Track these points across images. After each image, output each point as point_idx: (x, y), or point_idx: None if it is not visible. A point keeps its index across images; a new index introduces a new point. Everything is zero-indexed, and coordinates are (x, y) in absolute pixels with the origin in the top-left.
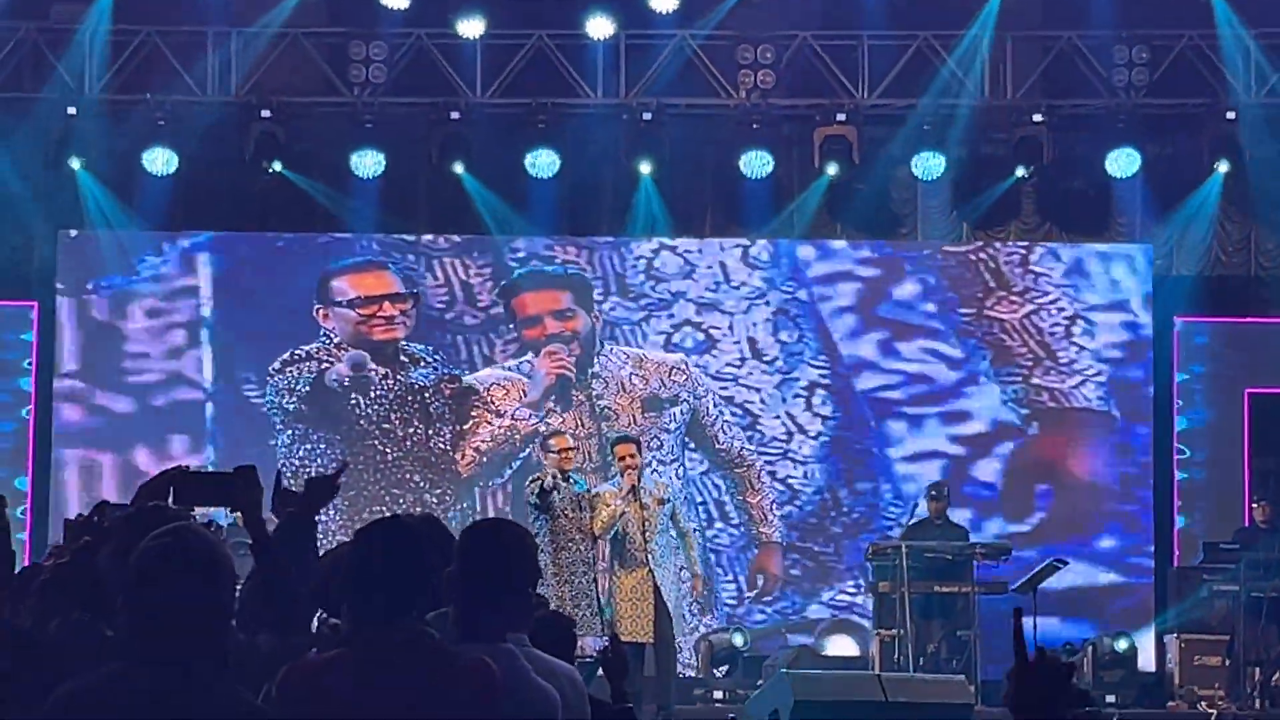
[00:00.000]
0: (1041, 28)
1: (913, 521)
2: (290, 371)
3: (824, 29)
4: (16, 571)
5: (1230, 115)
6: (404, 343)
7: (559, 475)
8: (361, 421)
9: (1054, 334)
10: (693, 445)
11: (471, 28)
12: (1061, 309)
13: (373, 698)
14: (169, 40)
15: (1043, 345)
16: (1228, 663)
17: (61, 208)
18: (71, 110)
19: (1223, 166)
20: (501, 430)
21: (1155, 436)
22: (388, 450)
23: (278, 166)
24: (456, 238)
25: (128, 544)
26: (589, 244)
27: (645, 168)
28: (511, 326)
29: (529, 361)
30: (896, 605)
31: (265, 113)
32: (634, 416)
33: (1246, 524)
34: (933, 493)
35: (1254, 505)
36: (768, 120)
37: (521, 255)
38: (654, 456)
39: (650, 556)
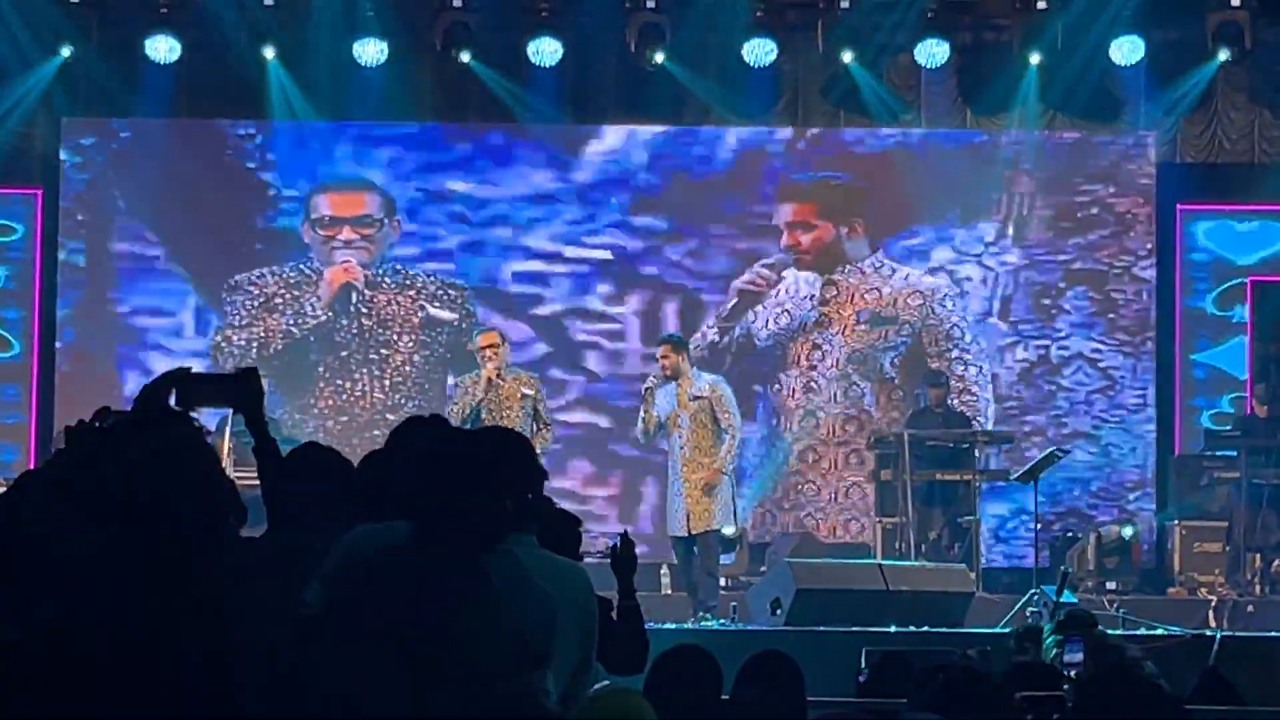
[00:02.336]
0: None
1: (914, 411)
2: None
3: None
4: (18, 476)
5: (1234, 2)
6: (370, 271)
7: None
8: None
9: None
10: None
11: None
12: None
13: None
14: None
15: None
16: (1228, 549)
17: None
18: None
19: (1222, 54)
20: None
21: (1158, 321)
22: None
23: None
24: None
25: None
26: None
27: (659, 57)
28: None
29: None
30: (898, 493)
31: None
32: (845, 327)
33: (1248, 412)
34: (933, 380)
35: (1255, 392)
36: (771, 7)
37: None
38: (855, 371)
39: (684, 454)
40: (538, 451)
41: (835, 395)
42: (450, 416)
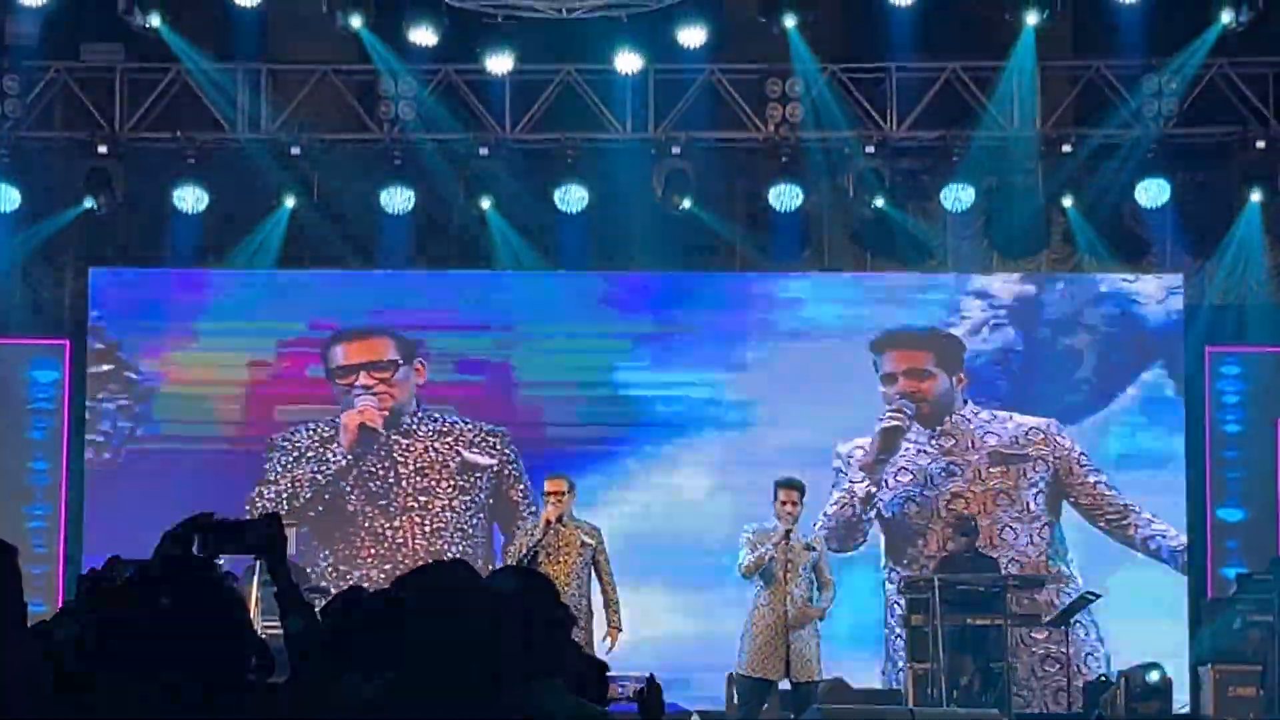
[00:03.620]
0: (1070, 57)
1: (943, 555)
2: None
3: (851, 60)
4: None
5: (1260, 144)
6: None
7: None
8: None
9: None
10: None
11: (500, 64)
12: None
13: None
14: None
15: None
16: (1261, 693)
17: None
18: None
19: (1256, 195)
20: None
21: (1188, 463)
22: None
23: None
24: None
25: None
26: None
27: (686, 203)
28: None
29: None
30: (929, 638)
31: (295, 149)
32: (979, 472)
33: (1279, 554)
34: (961, 527)
35: None
36: (796, 153)
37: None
38: (1006, 513)
39: (788, 599)
40: (614, 624)
41: (992, 538)
42: (507, 557)
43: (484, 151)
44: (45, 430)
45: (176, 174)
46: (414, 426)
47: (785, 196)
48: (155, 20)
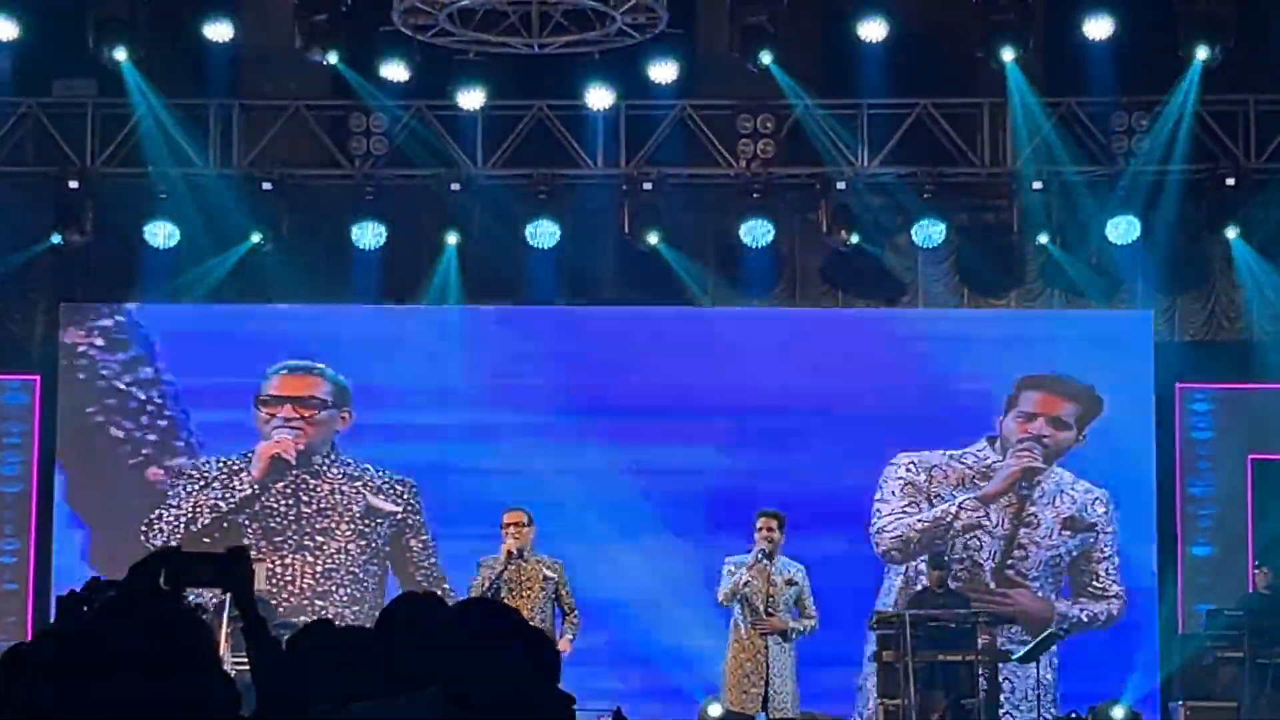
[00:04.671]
0: (1041, 94)
1: (915, 591)
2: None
3: (823, 97)
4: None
5: (1230, 182)
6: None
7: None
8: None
9: None
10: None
11: (472, 99)
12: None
13: None
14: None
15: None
16: None
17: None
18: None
19: (1231, 233)
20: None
21: (1159, 502)
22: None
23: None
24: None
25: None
26: None
27: (653, 238)
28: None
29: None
30: (900, 674)
31: (266, 185)
32: (1052, 531)
33: (1250, 590)
34: (934, 562)
35: (1256, 571)
36: (768, 189)
37: None
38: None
39: (770, 629)
40: (569, 636)
41: None
42: (471, 591)
43: (456, 187)
44: (15, 465)
45: (147, 209)
46: (324, 468)
47: (756, 232)
48: (122, 54)
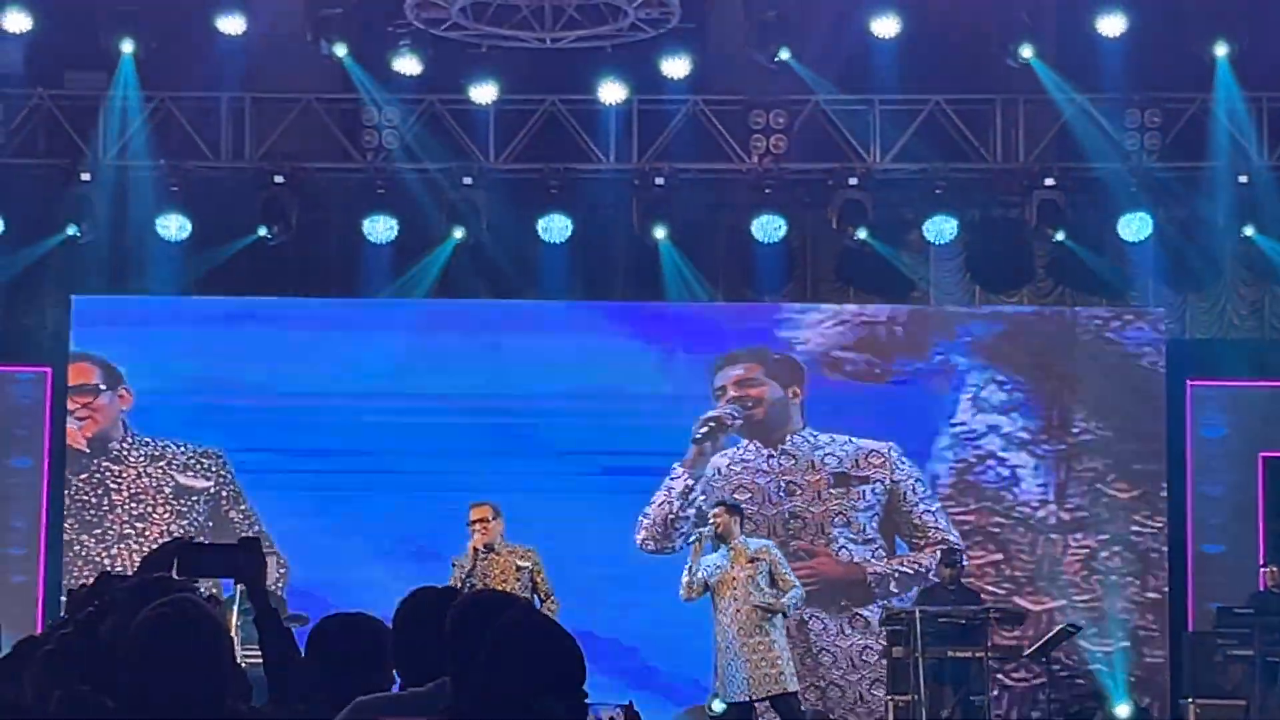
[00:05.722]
0: (1054, 91)
1: (925, 586)
2: None
3: (836, 93)
4: (16, 642)
5: (1242, 179)
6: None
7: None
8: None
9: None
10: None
11: (484, 93)
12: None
13: None
14: (183, 106)
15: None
16: None
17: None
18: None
19: (1248, 230)
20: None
21: (1170, 499)
22: None
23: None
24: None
25: (131, 616)
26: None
27: (660, 233)
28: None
29: None
30: (910, 670)
31: (278, 178)
32: (818, 492)
33: (1261, 588)
34: (945, 559)
35: (1266, 570)
36: (780, 184)
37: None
38: (842, 534)
39: (735, 614)
40: None
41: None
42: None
43: (468, 181)
44: (26, 458)
45: (159, 201)
46: (124, 452)
47: (769, 228)
48: (128, 47)
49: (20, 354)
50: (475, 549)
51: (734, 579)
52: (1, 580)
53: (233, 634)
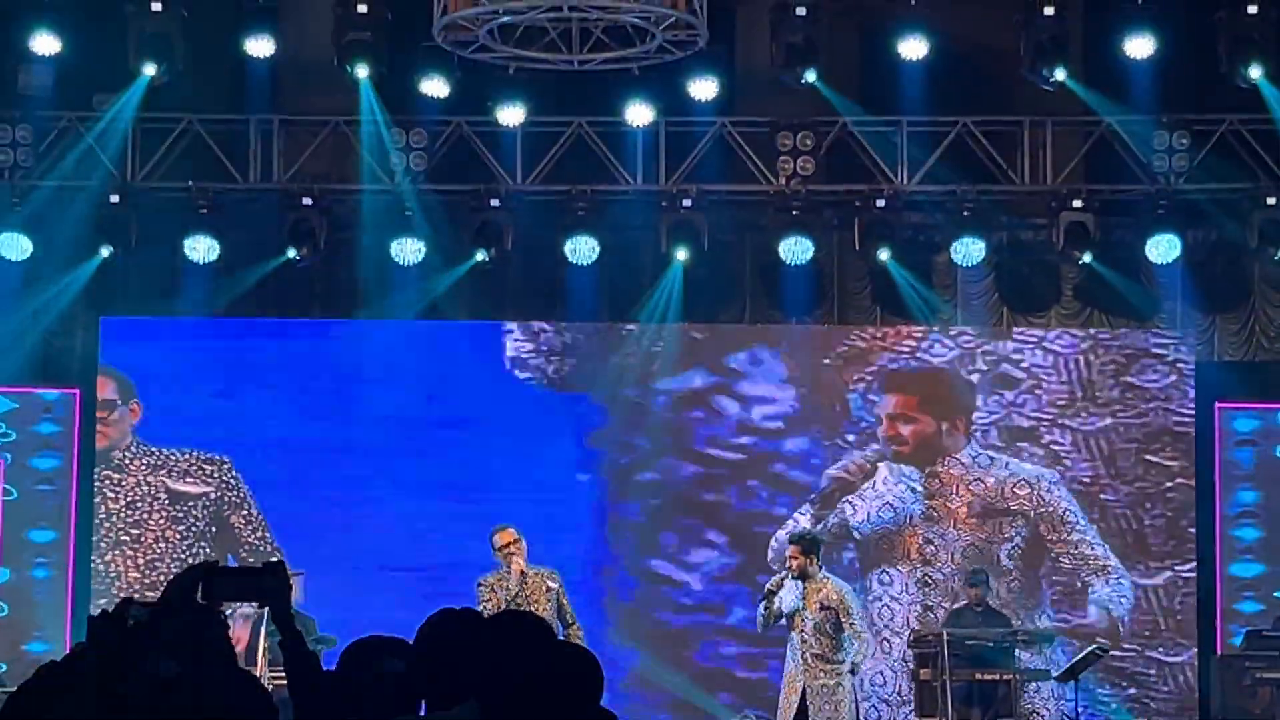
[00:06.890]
0: (1081, 113)
1: (954, 608)
2: None
3: (863, 115)
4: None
5: (1271, 201)
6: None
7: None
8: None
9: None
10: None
11: (511, 115)
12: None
13: None
14: (212, 129)
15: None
16: None
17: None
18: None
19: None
20: None
21: (1199, 521)
22: None
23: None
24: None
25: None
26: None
27: (681, 255)
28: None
29: None
30: (938, 693)
31: (307, 200)
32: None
33: None
34: (972, 580)
35: None
36: (808, 206)
37: None
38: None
39: (804, 652)
40: None
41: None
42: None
43: (495, 203)
44: (55, 479)
45: (188, 224)
46: (126, 461)
47: (796, 250)
48: (150, 69)
49: (50, 375)
50: (521, 572)
51: (804, 620)
52: (29, 600)
53: (260, 656)
